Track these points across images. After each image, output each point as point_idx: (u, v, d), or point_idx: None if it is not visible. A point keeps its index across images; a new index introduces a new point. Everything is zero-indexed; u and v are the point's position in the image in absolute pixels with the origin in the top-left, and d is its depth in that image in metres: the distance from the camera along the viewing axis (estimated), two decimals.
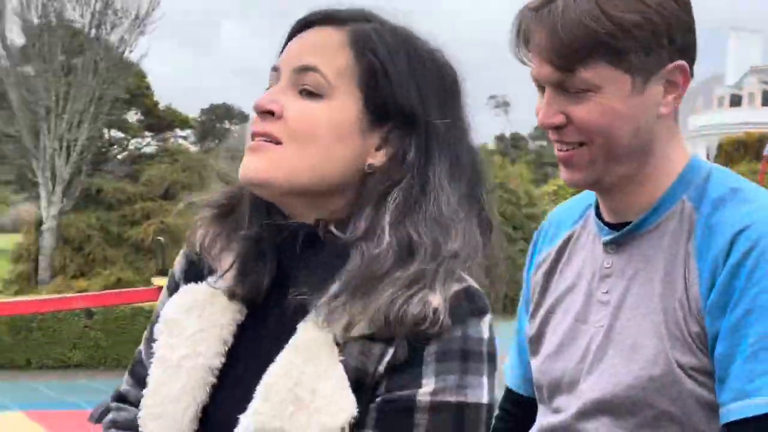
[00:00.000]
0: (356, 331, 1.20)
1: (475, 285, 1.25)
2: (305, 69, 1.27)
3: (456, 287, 1.22)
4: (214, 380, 1.30)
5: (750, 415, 1.42)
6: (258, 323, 1.32)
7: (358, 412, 1.18)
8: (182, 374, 1.29)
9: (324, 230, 1.28)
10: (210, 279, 1.34)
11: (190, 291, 1.35)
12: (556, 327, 1.69)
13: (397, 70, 1.27)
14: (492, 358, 1.23)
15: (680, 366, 1.50)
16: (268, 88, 1.30)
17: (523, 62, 1.55)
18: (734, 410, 1.44)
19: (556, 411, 1.65)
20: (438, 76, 1.30)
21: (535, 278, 1.78)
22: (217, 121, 68.14)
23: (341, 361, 1.19)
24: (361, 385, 1.20)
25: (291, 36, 1.33)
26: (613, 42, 1.46)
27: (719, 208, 1.52)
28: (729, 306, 1.46)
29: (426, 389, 1.18)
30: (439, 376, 1.18)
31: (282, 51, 1.32)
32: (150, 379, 1.32)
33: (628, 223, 1.60)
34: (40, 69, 27.86)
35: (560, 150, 1.56)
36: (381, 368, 1.20)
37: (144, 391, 1.32)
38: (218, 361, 1.30)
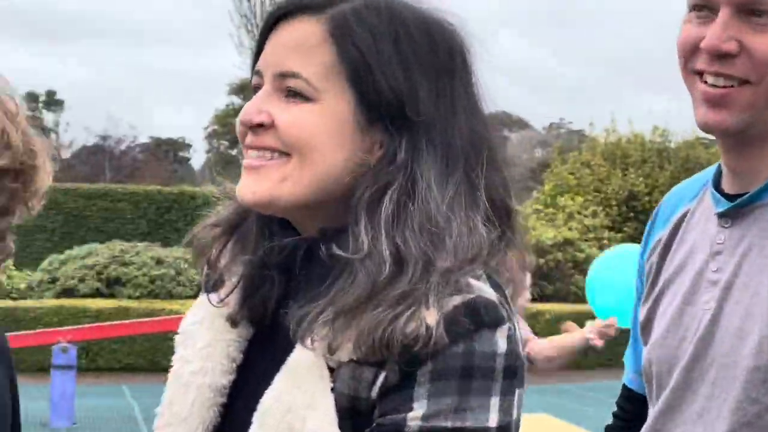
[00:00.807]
0: (344, 355, 1.10)
1: (487, 293, 1.10)
2: (286, 75, 1.15)
3: (456, 300, 1.08)
4: (222, 400, 1.24)
5: None
6: (265, 339, 1.24)
7: None
8: (191, 392, 1.24)
9: (323, 243, 1.16)
10: (213, 296, 1.28)
11: (203, 302, 1.29)
12: (665, 311, 1.53)
13: (383, 60, 1.13)
14: (511, 372, 1.09)
15: None
16: (254, 91, 1.19)
17: None
18: None
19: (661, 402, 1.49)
20: (430, 51, 1.16)
21: (648, 262, 1.63)
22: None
23: (332, 389, 1.10)
24: (357, 412, 1.10)
25: (267, 30, 1.20)
26: None
27: None
28: None
29: (416, 413, 1.06)
30: (433, 398, 1.06)
31: (259, 49, 1.20)
32: (165, 395, 1.27)
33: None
34: None
35: (714, 85, 1.38)
36: (374, 394, 1.09)
37: (158, 408, 1.27)
38: (226, 380, 1.24)
